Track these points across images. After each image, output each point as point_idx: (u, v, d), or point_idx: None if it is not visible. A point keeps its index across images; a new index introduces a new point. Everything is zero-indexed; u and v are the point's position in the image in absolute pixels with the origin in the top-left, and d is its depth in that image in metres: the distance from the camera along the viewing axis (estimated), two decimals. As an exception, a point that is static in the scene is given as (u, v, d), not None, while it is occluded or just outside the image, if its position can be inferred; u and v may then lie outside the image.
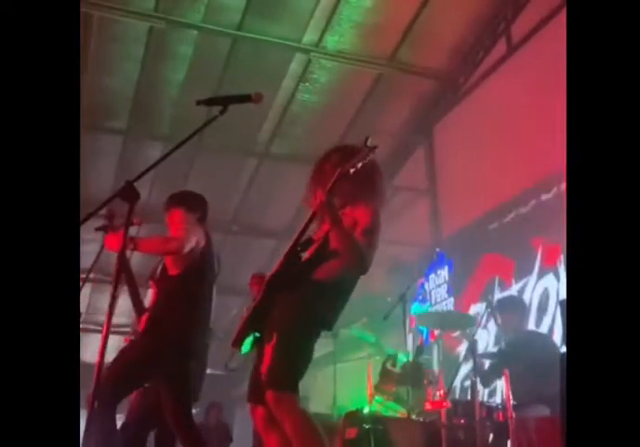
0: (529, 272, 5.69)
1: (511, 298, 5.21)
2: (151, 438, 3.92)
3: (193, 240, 3.42)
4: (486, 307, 4.51)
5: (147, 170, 2.23)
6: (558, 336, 4.77)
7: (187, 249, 3.36)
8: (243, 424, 7.61)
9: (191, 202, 3.71)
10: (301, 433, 2.39)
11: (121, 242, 3.18)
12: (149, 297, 3.80)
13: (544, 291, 5.50)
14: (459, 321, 5.01)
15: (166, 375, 3.41)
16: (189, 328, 3.45)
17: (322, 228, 2.69)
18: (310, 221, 2.60)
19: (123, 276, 3.54)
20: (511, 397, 3.66)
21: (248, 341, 2.65)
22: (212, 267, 3.63)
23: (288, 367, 2.49)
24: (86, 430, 2.31)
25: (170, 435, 3.67)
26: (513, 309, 4.72)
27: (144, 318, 3.56)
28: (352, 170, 2.51)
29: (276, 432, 2.55)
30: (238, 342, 2.61)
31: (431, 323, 5.27)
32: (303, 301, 2.56)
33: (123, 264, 2.29)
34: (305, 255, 2.65)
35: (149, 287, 3.80)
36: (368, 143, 2.55)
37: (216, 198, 7.84)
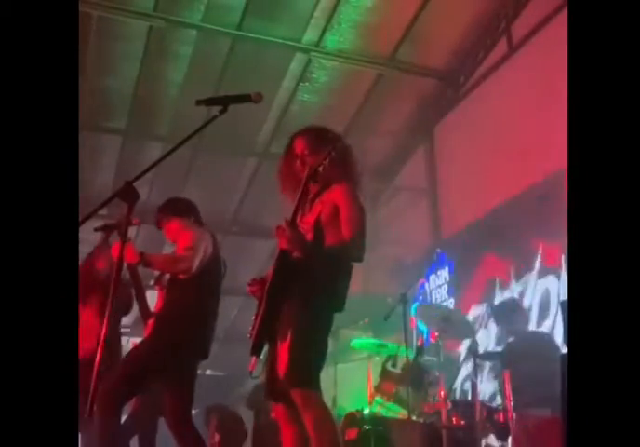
0: (530, 272, 5.68)
1: (508, 302, 5.14)
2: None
3: (202, 251, 3.42)
4: (487, 308, 4.50)
5: (146, 171, 2.22)
6: (559, 337, 4.75)
7: (195, 267, 3.38)
8: (243, 424, 7.59)
9: (181, 208, 3.71)
10: (320, 429, 2.44)
11: (130, 252, 3.19)
12: (153, 300, 3.80)
13: (545, 292, 5.48)
14: (458, 327, 4.97)
15: (172, 378, 3.40)
16: (199, 331, 3.45)
17: (304, 220, 2.71)
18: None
19: (128, 280, 3.55)
20: (511, 397, 3.65)
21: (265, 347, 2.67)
22: (219, 270, 3.63)
23: (308, 364, 2.52)
24: (90, 431, 2.29)
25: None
26: (511, 313, 4.69)
27: (151, 321, 3.55)
28: (320, 169, 2.57)
29: (295, 427, 2.59)
30: (257, 349, 2.60)
31: (430, 319, 5.21)
32: (308, 289, 2.57)
33: (121, 269, 2.28)
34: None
35: (154, 289, 3.80)
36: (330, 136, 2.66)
37: (216, 198, 7.88)
